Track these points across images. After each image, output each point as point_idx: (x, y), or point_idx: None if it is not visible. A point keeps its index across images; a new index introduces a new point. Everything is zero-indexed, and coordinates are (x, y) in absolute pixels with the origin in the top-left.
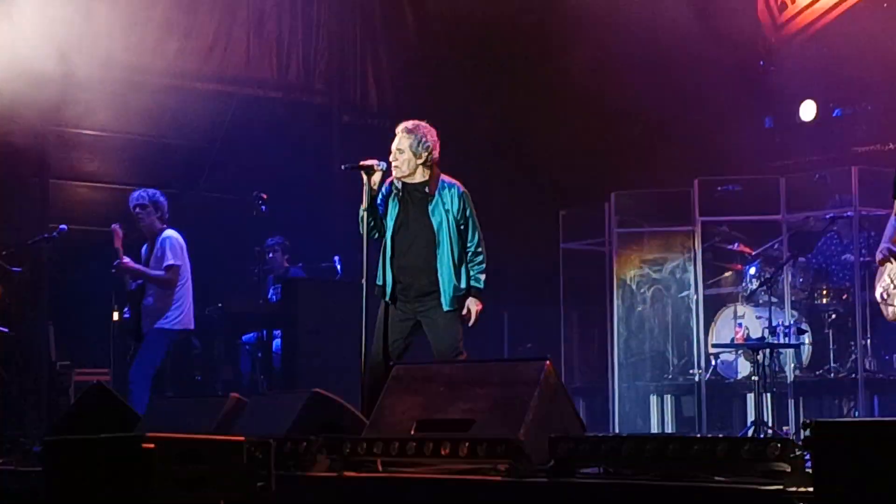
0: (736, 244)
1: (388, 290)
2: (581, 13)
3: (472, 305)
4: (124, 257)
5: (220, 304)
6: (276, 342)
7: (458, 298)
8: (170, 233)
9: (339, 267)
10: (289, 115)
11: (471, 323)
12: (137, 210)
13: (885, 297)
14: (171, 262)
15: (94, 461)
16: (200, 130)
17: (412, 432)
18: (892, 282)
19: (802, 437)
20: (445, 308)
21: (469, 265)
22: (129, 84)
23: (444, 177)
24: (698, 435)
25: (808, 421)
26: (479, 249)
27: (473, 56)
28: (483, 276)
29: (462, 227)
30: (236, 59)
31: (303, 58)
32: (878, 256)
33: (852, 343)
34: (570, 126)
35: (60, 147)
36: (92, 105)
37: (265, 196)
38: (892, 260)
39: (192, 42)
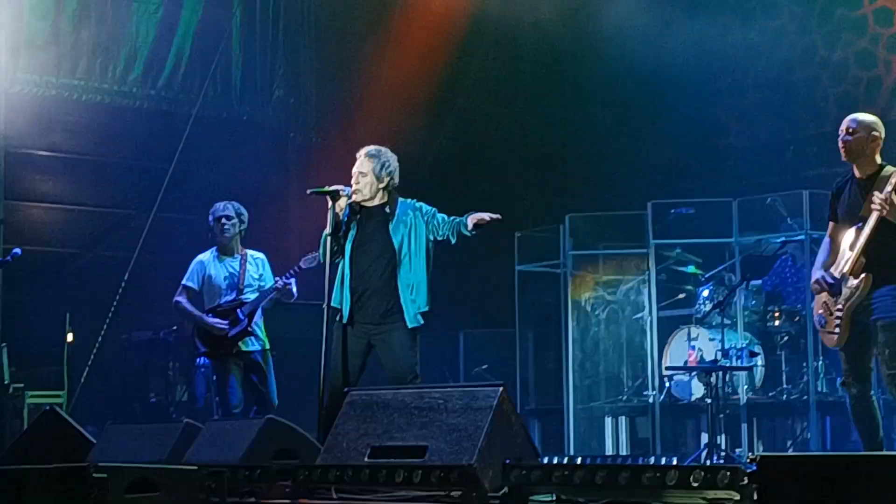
0: (689, 266)
1: (346, 312)
2: (544, 38)
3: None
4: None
5: (174, 327)
6: None
7: (423, 314)
8: (259, 253)
9: (294, 289)
10: (244, 135)
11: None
12: (234, 222)
13: (823, 324)
14: (272, 282)
15: (44, 490)
16: (156, 151)
17: (366, 459)
18: (828, 309)
19: (748, 460)
20: (410, 325)
21: (452, 219)
22: (82, 105)
23: (402, 199)
24: (652, 457)
25: (753, 455)
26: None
27: (426, 78)
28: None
29: (429, 222)
30: (190, 79)
31: (259, 78)
32: (812, 287)
33: (804, 365)
34: (526, 148)
35: (15, 168)
36: (46, 126)
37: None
38: (825, 289)
39: (144, 62)
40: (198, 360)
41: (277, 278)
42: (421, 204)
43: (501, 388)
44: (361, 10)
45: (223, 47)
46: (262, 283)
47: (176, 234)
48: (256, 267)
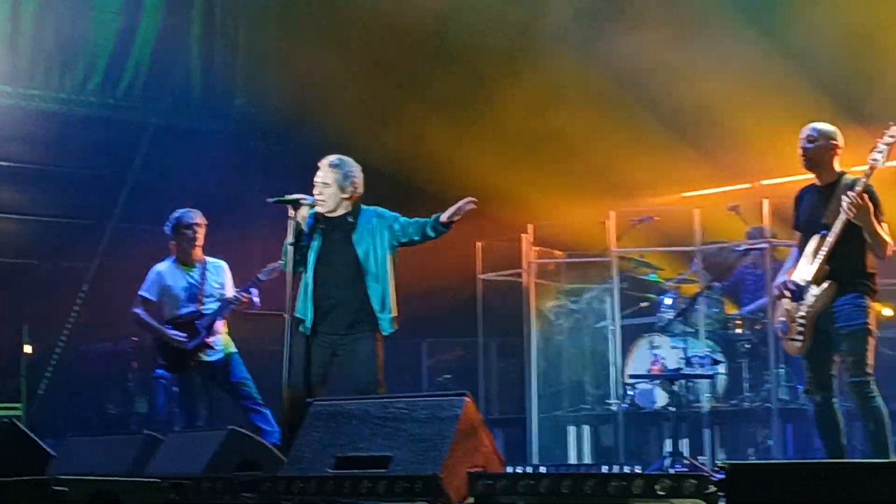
0: (652, 274)
1: (310, 323)
2: (503, 45)
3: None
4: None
5: (134, 338)
6: None
7: (392, 320)
8: (220, 261)
9: (256, 299)
10: (204, 144)
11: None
12: (195, 229)
13: (785, 331)
14: (234, 291)
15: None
16: (115, 160)
17: (331, 470)
18: (790, 317)
19: (716, 468)
20: (386, 332)
21: (418, 221)
22: (40, 114)
23: (365, 207)
24: (616, 466)
25: (721, 463)
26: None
27: (386, 86)
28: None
29: (392, 226)
30: (149, 88)
31: (219, 86)
32: (774, 292)
33: (766, 372)
34: (488, 156)
35: None
36: (4, 136)
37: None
38: (788, 296)
39: (102, 71)
40: (158, 371)
41: (236, 291)
42: (383, 210)
43: (467, 398)
44: (322, 20)
45: (183, 56)
46: (223, 292)
47: (135, 243)
48: (217, 275)
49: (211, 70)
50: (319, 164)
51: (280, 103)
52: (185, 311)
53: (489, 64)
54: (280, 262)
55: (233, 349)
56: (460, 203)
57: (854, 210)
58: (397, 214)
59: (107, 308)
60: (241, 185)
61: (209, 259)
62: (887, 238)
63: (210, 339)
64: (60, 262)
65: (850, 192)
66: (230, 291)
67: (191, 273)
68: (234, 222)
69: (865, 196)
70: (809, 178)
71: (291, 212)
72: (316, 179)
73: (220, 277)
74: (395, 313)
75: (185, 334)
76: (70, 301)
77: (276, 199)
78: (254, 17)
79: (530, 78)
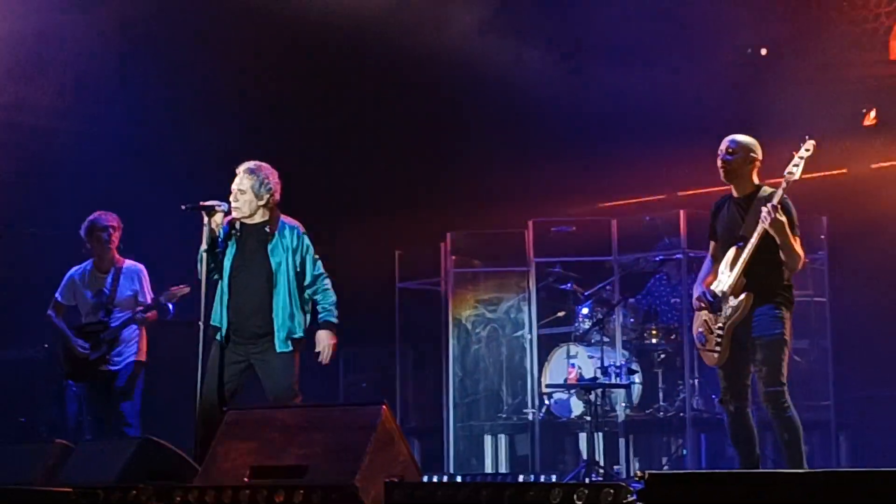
0: (569, 284)
1: (224, 330)
2: (423, 58)
3: (326, 339)
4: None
5: (45, 345)
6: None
7: (294, 340)
8: (140, 265)
9: (170, 306)
10: (113, 152)
11: (325, 359)
12: (110, 232)
13: (703, 342)
14: (152, 296)
15: None
16: (20, 164)
17: (246, 479)
18: (708, 328)
19: (635, 477)
20: (279, 349)
21: (319, 296)
22: None
23: (284, 217)
24: (532, 475)
25: (640, 473)
26: (327, 281)
27: (301, 90)
28: (335, 310)
29: (302, 267)
30: (61, 96)
31: (135, 98)
32: (694, 304)
33: (680, 382)
34: (407, 165)
35: None
36: None
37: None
38: (706, 307)
39: (15, 75)
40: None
41: (139, 310)
42: (304, 236)
43: (384, 407)
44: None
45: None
46: (137, 299)
47: (41, 250)
48: (131, 281)
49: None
50: (237, 171)
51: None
52: (90, 320)
53: (400, 71)
54: (184, 286)
55: (140, 358)
56: (329, 347)
57: (770, 219)
58: (311, 253)
59: (12, 315)
60: (153, 189)
61: (126, 263)
62: (800, 251)
63: (116, 350)
64: None
65: (768, 204)
66: (146, 297)
67: (103, 279)
68: (149, 231)
69: (778, 208)
70: (726, 188)
71: (206, 219)
72: (233, 186)
73: (135, 283)
74: (299, 333)
75: (88, 344)
76: None
77: (189, 205)
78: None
79: (448, 89)
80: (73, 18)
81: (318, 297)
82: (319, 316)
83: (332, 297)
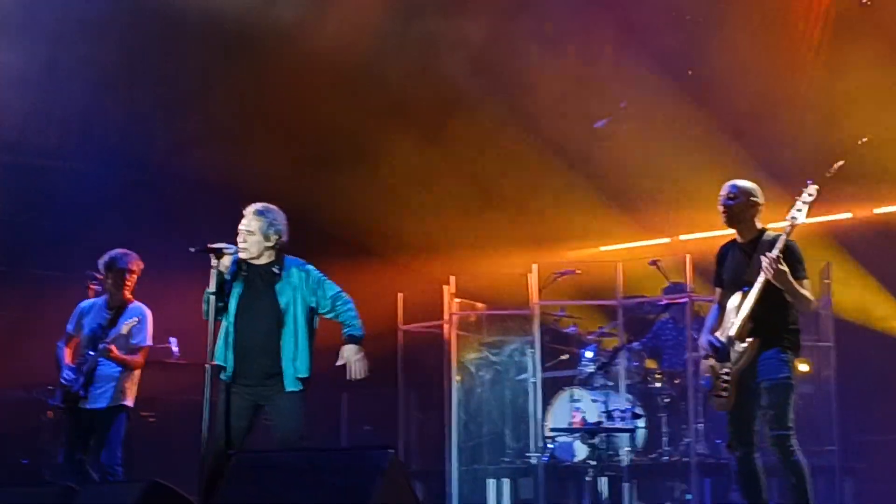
0: (573, 328)
1: (230, 371)
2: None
3: (353, 354)
4: (113, 347)
5: (49, 387)
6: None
7: (303, 380)
8: (143, 307)
9: (175, 348)
10: (120, 194)
11: (354, 374)
12: (126, 276)
13: (710, 387)
14: (146, 342)
15: None
16: (29, 205)
17: None
18: (715, 373)
19: None
20: (288, 389)
21: (341, 314)
22: None
23: (289, 257)
24: None
25: None
26: (344, 296)
27: (304, 129)
28: (359, 322)
29: (315, 298)
30: (65, 138)
31: (140, 139)
32: (701, 352)
33: (685, 426)
34: (410, 208)
35: None
36: None
37: (99, 276)
38: (712, 354)
39: (21, 118)
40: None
41: (100, 348)
42: (309, 268)
43: (392, 452)
44: (241, 65)
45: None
46: (131, 341)
47: (49, 291)
48: (129, 320)
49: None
50: (244, 212)
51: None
52: (82, 352)
53: (415, 117)
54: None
55: (123, 402)
56: (356, 362)
57: (772, 271)
58: (321, 278)
59: (20, 355)
60: (161, 234)
61: (133, 303)
62: (808, 295)
63: (95, 386)
64: None
65: (767, 254)
66: (140, 339)
67: (106, 316)
68: (153, 272)
69: (780, 258)
70: (730, 233)
71: (214, 261)
72: (240, 227)
73: (132, 323)
74: (305, 374)
75: (73, 375)
76: None
77: (198, 248)
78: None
79: (458, 132)
80: (76, 55)
81: (340, 316)
82: (344, 331)
83: (354, 311)
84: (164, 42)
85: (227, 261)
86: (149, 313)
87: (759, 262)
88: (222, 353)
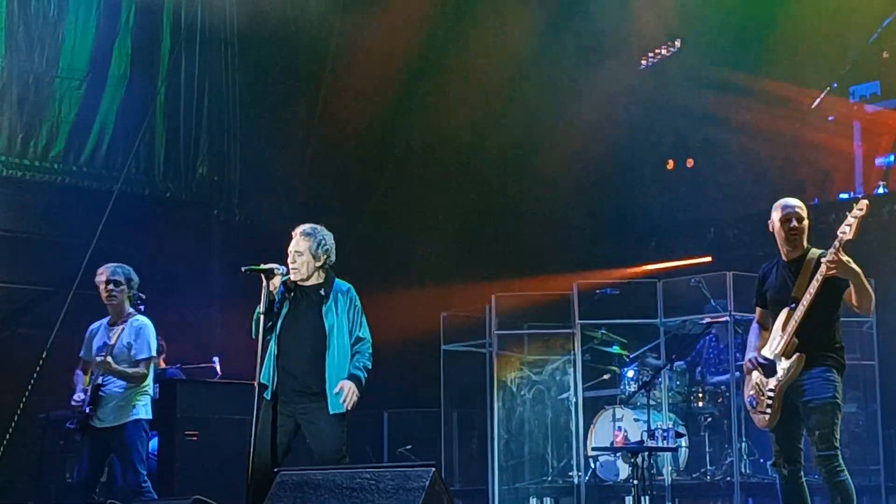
0: (614, 347)
1: (272, 388)
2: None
3: (350, 386)
4: (109, 357)
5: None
6: (153, 443)
7: (341, 381)
8: (145, 320)
9: (218, 367)
10: (166, 213)
11: (346, 402)
12: (110, 287)
13: (754, 404)
14: (149, 353)
15: None
16: (77, 227)
17: None
18: (759, 390)
19: None
20: (332, 411)
21: (354, 353)
22: (2, 180)
23: (338, 280)
24: None
25: None
26: (369, 347)
27: (349, 157)
28: (365, 372)
29: (351, 329)
30: (113, 155)
31: (183, 154)
32: (745, 366)
33: (728, 446)
34: (453, 228)
35: None
36: None
37: (143, 296)
38: (757, 369)
39: (66, 138)
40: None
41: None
42: (354, 295)
43: (433, 470)
44: (286, 88)
45: (147, 124)
46: (132, 354)
47: (96, 311)
48: (129, 334)
49: (174, 138)
50: (293, 233)
51: (244, 171)
52: (93, 373)
53: (454, 138)
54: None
55: (133, 417)
56: (352, 394)
57: (834, 266)
58: (360, 312)
59: (67, 375)
60: (204, 253)
61: (133, 317)
62: (871, 290)
63: (104, 406)
64: (20, 328)
65: (828, 252)
66: (140, 352)
67: (110, 333)
68: (196, 291)
69: (842, 251)
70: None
71: (265, 282)
72: (290, 248)
73: (130, 337)
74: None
75: (83, 397)
76: (30, 368)
77: (249, 267)
78: (218, 84)
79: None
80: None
81: (356, 357)
82: (351, 369)
83: (367, 362)
84: None
85: (276, 281)
86: (149, 325)
87: (805, 279)
88: (267, 373)
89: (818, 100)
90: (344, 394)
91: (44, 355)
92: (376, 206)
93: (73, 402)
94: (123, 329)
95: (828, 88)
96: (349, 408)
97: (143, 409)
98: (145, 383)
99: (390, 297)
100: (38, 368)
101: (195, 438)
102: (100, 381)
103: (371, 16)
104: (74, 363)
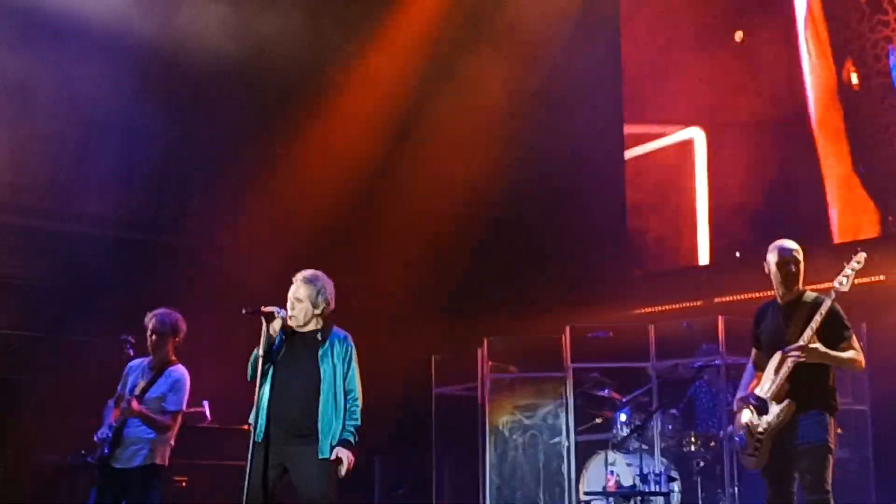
0: (606, 391)
1: (261, 432)
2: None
3: (345, 456)
4: (135, 401)
5: (82, 451)
6: None
7: (335, 448)
8: (183, 371)
9: (207, 412)
10: (155, 256)
11: (343, 474)
12: (154, 338)
13: (743, 445)
14: (179, 406)
15: None
16: (65, 272)
17: None
18: (749, 431)
19: None
20: (322, 456)
21: (346, 416)
22: None
23: (335, 327)
24: None
25: None
26: (357, 404)
27: (340, 204)
28: (356, 432)
29: (345, 379)
30: (101, 201)
31: (174, 200)
32: (735, 405)
33: (720, 490)
34: (444, 271)
35: None
36: None
37: (132, 339)
38: (749, 408)
39: (51, 182)
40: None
41: (128, 399)
42: (351, 345)
43: None
44: (280, 127)
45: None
46: (164, 405)
47: (84, 356)
48: (165, 384)
49: (165, 181)
50: (294, 279)
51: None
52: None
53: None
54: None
55: (154, 462)
56: (348, 463)
57: (803, 358)
58: (353, 365)
59: (55, 421)
60: (192, 299)
61: (173, 366)
62: (853, 356)
63: (124, 447)
64: (6, 373)
65: (792, 353)
66: (172, 404)
67: (144, 377)
68: (187, 334)
69: (812, 339)
70: (757, 295)
71: (265, 324)
72: (290, 294)
73: (165, 387)
74: (337, 442)
75: (107, 434)
76: (16, 413)
77: (249, 310)
78: (210, 123)
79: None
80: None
81: (346, 417)
82: (342, 433)
83: (357, 421)
84: None
85: (277, 324)
86: (186, 378)
87: (799, 323)
88: (255, 415)
89: None
90: (344, 465)
91: (31, 401)
92: (366, 251)
93: (96, 438)
94: (160, 377)
95: None
96: (343, 474)
97: (161, 457)
98: (170, 434)
99: (380, 338)
100: (24, 414)
101: (184, 485)
102: (124, 421)
103: None
104: (65, 408)
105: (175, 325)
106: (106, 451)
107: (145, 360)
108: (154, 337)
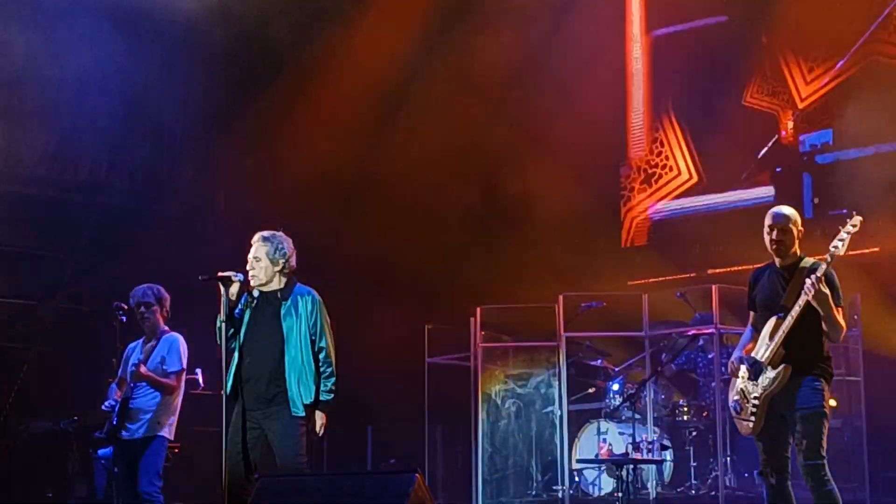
0: (599, 360)
1: (230, 393)
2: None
3: (319, 419)
4: (142, 366)
5: (75, 417)
6: None
7: (307, 406)
8: (176, 335)
9: (200, 379)
10: (146, 226)
11: (320, 434)
12: (142, 310)
13: (738, 410)
14: (180, 366)
15: None
16: (59, 240)
17: None
18: (744, 396)
19: None
20: (294, 413)
21: (319, 374)
22: None
23: (298, 284)
24: None
25: None
26: (329, 360)
27: (337, 167)
28: (333, 389)
29: (313, 336)
30: (95, 171)
31: (167, 171)
32: (729, 367)
33: (712, 460)
34: (437, 241)
35: None
36: None
37: (125, 306)
38: (741, 370)
39: (49, 151)
40: (99, 451)
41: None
42: (317, 301)
43: (417, 475)
44: (274, 95)
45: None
46: (164, 367)
47: (78, 324)
48: (163, 349)
49: (158, 149)
50: (252, 241)
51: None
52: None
53: (438, 148)
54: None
55: (159, 433)
56: (321, 426)
57: (813, 291)
58: (321, 323)
59: (48, 387)
60: (183, 267)
61: (167, 334)
62: (842, 322)
63: (132, 418)
64: (1, 341)
65: (812, 276)
66: (172, 365)
67: (144, 349)
68: (177, 304)
69: (824, 282)
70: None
71: (222, 289)
72: (249, 255)
73: (163, 351)
74: (309, 400)
75: (113, 404)
76: (10, 380)
77: (205, 276)
78: (202, 94)
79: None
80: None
81: (322, 378)
82: (321, 395)
83: (333, 378)
84: None
85: (234, 288)
86: (182, 341)
87: (797, 288)
88: (230, 378)
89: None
90: (318, 425)
91: (24, 368)
92: (361, 221)
93: (103, 408)
94: (157, 345)
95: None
96: (320, 433)
97: (168, 430)
98: (175, 402)
99: (373, 308)
100: (18, 380)
101: (177, 451)
102: (130, 394)
103: None
104: (58, 375)
105: (159, 295)
106: (115, 420)
107: (140, 341)
108: (142, 309)
